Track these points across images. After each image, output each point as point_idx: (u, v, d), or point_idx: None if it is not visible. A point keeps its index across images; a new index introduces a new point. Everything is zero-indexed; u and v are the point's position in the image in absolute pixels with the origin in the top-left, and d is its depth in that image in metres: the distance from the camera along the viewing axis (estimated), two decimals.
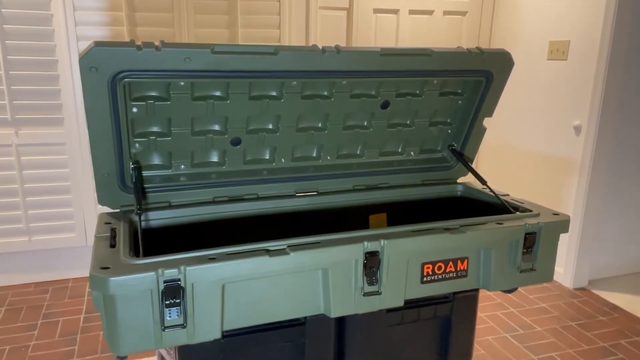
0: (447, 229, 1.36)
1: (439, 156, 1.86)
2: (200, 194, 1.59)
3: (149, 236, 1.51)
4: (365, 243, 1.26)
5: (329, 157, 1.73)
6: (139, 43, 1.26)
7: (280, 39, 3.22)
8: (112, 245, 1.22)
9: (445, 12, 3.66)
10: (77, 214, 3.07)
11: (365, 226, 1.80)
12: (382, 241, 1.27)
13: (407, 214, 1.83)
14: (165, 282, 1.10)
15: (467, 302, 1.48)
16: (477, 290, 1.51)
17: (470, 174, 1.90)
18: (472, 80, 1.66)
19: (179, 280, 1.11)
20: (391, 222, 1.82)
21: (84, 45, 2.86)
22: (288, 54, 1.37)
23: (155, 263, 1.12)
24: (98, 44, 1.21)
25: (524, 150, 3.50)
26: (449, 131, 1.81)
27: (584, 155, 3.07)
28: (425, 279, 1.37)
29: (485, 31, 3.76)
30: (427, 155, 1.85)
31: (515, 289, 1.50)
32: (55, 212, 3.04)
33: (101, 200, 1.47)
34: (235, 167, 1.63)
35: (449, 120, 1.78)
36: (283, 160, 1.67)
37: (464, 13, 3.70)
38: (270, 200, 1.66)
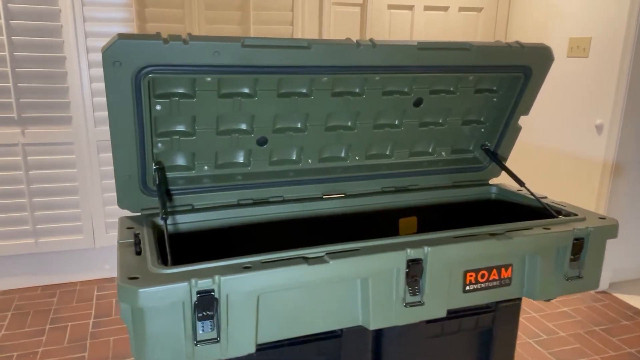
0: (492, 235, 1.28)
1: (471, 156, 1.78)
2: (224, 196, 1.51)
3: (172, 242, 1.43)
4: (408, 250, 1.17)
5: (357, 158, 1.64)
6: (165, 36, 1.17)
7: (292, 36, 3.13)
8: (138, 253, 1.14)
9: (461, 9, 3.57)
10: (85, 215, 2.99)
11: (395, 230, 1.71)
12: (425, 248, 1.19)
13: (438, 217, 1.75)
14: (198, 293, 1.02)
15: (509, 312, 1.39)
16: (519, 299, 1.43)
17: (501, 175, 1.81)
18: (509, 77, 1.58)
19: (213, 291, 1.03)
20: (421, 226, 1.73)
21: (93, 42, 2.77)
22: (321, 47, 1.29)
23: (186, 272, 1.04)
24: (122, 36, 1.12)
25: (544, 149, 3.41)
26: (482, 130, 1.72)
27: (606, 155, 2.99)
28: (467, 287, 1.29)
29: (501, 28, 3.68)
30: (459, 155, 1.76)
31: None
32: (62, 213, 2.96)
33: (121, 203, 1.39)
34: (260, 169, 1.54)
35: (482, 119, 1.70)
36: (310, 161, 1.59)
37: (479, 9, 3.62)
38: (296, 203, 1.58)
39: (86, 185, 2.95)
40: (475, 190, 1.76)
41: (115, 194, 3.01)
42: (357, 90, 1.48)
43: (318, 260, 1.12)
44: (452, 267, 1.26)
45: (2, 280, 2.99)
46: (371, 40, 1.34)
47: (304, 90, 1.42)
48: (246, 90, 1.37)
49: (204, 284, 1.02)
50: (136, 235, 1.23)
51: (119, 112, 1.22)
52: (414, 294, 1.20)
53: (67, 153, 2.88)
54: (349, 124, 1.55)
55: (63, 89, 2.78)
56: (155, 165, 1.37)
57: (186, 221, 1.44)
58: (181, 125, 1.37)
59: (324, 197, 1.62)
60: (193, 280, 1.01)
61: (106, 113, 2.88)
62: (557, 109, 3.30)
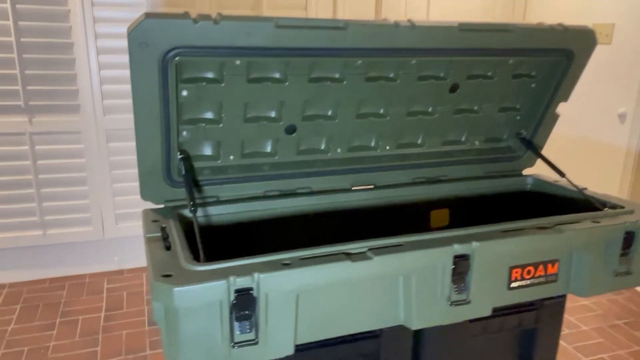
0: (541, 228, 1.20)
1: (504, 145, 1.70)
2: (250, 187, 1.43)
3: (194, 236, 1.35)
4: (455, 246, 1.10)
5: (387, 147, 1.56)
6: (194, 16, 1.09)
7: None
8: (168, 248, 1.06)
9: None
10: (94, 206, 2.91)
11: (425, 223, 1.64)
12: (473, 243, 1.12)
13: (470, 210, 1.67)
14: (236, 291, 0.94)
15: (554, 309, 1.32)
16: (564, 296, 1.36)
17: (534, 166, 1.73)
18: (550, 61, 1.49)
19: (251, 289, 0.96)
20: (453, 219, 1.66)
21: (101, 28, 2.68)
22: (358, 28, 1.21)
23: (223, 269, 0.97)
24: (150, 15, 1.04)
25: (566, 137, 3.33)
26: (518, 118, 1.64)
27: (629, 144, 2.91)
28: (512, 284, 1.22)
29: (519, 11, 3.58)
30: (492, 144, 1.69)
31: None
32: (71, 204, 2.88)
33: (145, 195, 1.31)
34: (287, 158, 1.47)
35: (518, 106, 1.62)
36: (339, 150, 1.51)
37: None
38: (324, 195, 1.50)
39: (95, 175, 2.87)
40: (509, 182, 1.68)
41: (124, 184, 2.94)
42: (392, 75, 1.39)
43: (361, 256, 1.04)
44: (499, 263, 1.18)
45: (10, 272, 2.93)
46: (410, 20, 1.26)
47: (337, 75, 1.34)
48: (276, 75, 1.28)
49: (243, 281, 0.94)
50: (163, 229, 1.15)
51: (145, 97, 1.14)
52: (459, 291, 1.13)
53: (76, 142, 2.80)
54: (381, 111, 1.47)
55: (71, 76, 2.70)
56: (180, 155, 1.29)
57: (211, 214, 1.37)
58: (208, 112, 1.29)
59: (353, 188, 1.55)
60: (232, 278, 0.93)
61: (115, 101, 2.80)
62: (579, 97, 3.21)
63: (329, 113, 1.42)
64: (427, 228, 1.63)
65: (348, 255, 1.04)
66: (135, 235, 3.05)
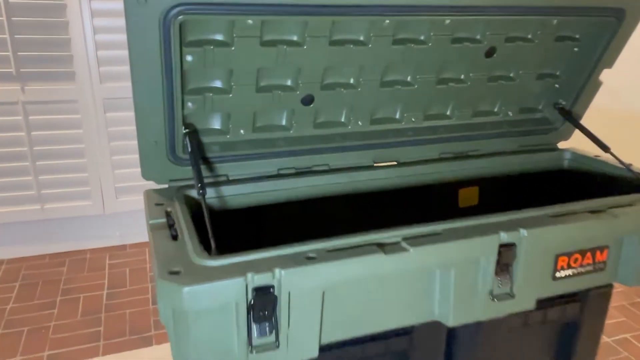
0: (593, 212, 1.07)
1: (540, 117, 1.55)
2: (262, 165, 1.29)
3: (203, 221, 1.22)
4: (502, 234, 0.97)
5: (413, 120, 1.41)
6: None
7: None
8: (174, 237, 0.93)
9: None
10: (93, 179, 2.78)
11: (453, 203, 1.51)
12: (521, 231, 0.98)
13: (502, 188, 1.53)
14: (255, 290, 0.82)
15: (600, 300, 1.20)
16: (611, 286, 1.24)
17: (569, 141, 1.59)
18: (597, 22, 1.33)
19: (272, 287, 0.83)
20: (483, 198, 1.52)
21: None
22: None
23: (238, 264, 0.84)
24: None
25: (606, 109, 3.16)
26: (556, 86, 1.48)
27: None
28: (558, 274, 1.09)
29: None
30: (527, 115, 1.53)
31: None
32: (68, 177, 2.75)
33: (146, 174, 1.17)
34: (303, 132, 1.32)
35: (558, 73, 1.46)
36: (360, 122, 1.36)
37: None
38: (343, 172, 1.36)
39: (93, 147, 2.72)
40: (544, 157, 1.54)
41: (123, 157, 2.79)
42: (422, 37, 1.23)
43: (395, 247, 0.91)
44: (545, 251, 1.05)
45: (8, 248, 2.82)
46: None
47: (361, 37, 1.18)
48: (293, 37, 1.12)
49: (262, 279, 0.81)
50: (168, 215, 1.02)
51: (144, 64, 0.99)
52: (503, 284, 1.00)
53: (72, 112, 2.64)
54: (408, 78, 1.32)
55: (64, 40, 2.52)
56: (185, 129, 1.14)
57: (220, 194, 1.23)
58: (215, 80, 1.14)
59: (375, 165, 1.41)
60: (249, 275, 0.80)
61: (113, 68, 2.63)
62: (624, 64, 3.02)
63: (351, 81, 1.27)
64: (454, 208, 1.49)
65: (380, 247, 0.91)
66: (137, 209, 2.93)
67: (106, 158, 2.76)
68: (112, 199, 2.86)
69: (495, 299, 1.01)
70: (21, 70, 2.49)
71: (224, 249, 0.96)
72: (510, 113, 1.51)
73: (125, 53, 2.62)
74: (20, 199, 2.70)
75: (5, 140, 2.58)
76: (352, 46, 1.18)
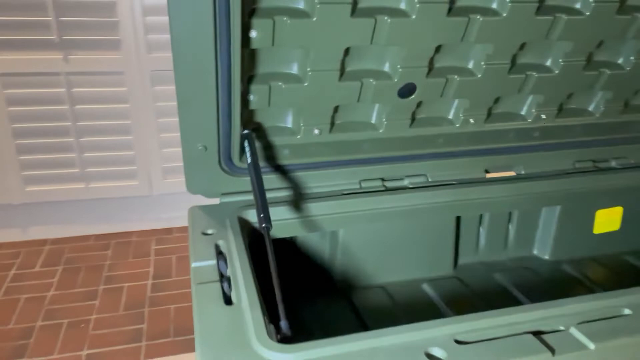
0: None
1: None
2: (340, 175, 0.97)
3: (255, 254, 0.92)
4: None
5: (543, 117, 1.05)
6: None
7: None
8: (228, 300, 0.64)
9: None
10: (141, 158, 2.56)
11: (587, 227, 1.15)
12: None
13: None
14: None
15: None
16: None
17: None
18: None
19: None
20: (628, 222, 1.15)
21: None
22: None
23: None
24: None
25: None
26: None
27: None
28: None
29: None
30: None
31: None
32: (114, 155, 2.53)
33: (192, 186, 0.89)
34: (396, 133, 0.99)
35: None
36: (472, 121, 1.02)
37: None
38: (444, 188, 1.02)
39: (140, 123, 2.49)
40: None
41: (172, 134, 2.54)
42: (578, 5, 0.87)
43: (565, 339, 0.58)
44: None
45: (52, 228, 2.67)
46: None
47: (493, 5, 0.83)
48: (399, 4, 0.79)
49: None
50: (219, 252, 0.73)
51: (190, 42, 0.68)
52: None
53: (118, 85, 2.40)
54: (548, 62, 0.96)
55: (109, 4, 2.25)
56: (244, 130, 0.84)
57: (281, 218, 0.93)
58: (288, 64, 0.82)
59: (487, 177, 1.06)
60: None
61: (162, 36, 2.35)
62: None
63: (470, 65, 0.92)
64: (588, 234, 1.14)
65: (539, 337, 0.58)
66: (185, 191, 2.69)
67: (154, 136, 2.52)
68: (160, 180, 2.64)
69: None
70: (64, 37, 2.26)
71: (296, 318, 0.66)
72: None
73: None
74: (64, 177, 2.52)
75: (47, 114, 2.38)
76: (479, 17, 0.83)
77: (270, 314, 0.64)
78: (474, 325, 0.59)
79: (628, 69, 0.99)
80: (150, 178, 2.63)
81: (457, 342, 0.57)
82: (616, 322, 0.61)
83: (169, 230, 2.80)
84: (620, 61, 0.99)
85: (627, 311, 0.62)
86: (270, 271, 0.65)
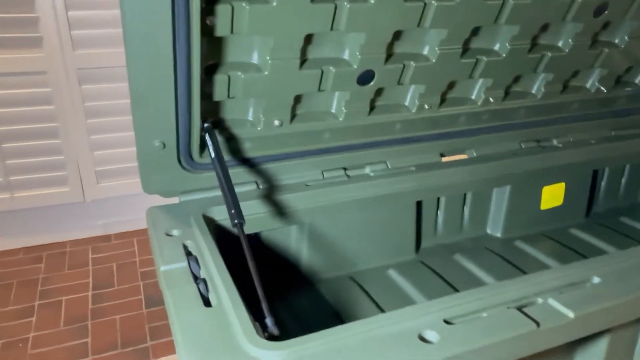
0: None
1: (635, 92, 1.24)
2: (302, 166, 0.96)
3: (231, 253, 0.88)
4: None
5: (491, 100, 1.09)
6: None
7: None
8: (207, 302, 0.61)
9: None
10: (70, 162, 2.40)
11: (534, 204, 1.20)
12: None
13: (589, 183, 1.24)
14: None
15: None
16: None
17: None
18: None
19: None
20: (570, 197, 1.22)
21: None
22: None
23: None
24: None
25: None
26: None
27: None
28: None
29: None
30: (621, 91, 1.22)
31: None
32: (41, 161, 2.36)
33: (148, 186, 0.83)
34: (355, 121, 0.99)
35: None
36: (427, 106, 1.03)
37: None
38: (404, 174, 1.03)
39: (68, 125, 2.33)
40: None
41: (103, 136, 2.41)
42: None
43: (548, 312, 0.60)
44: None
45: None
46: None
47: None
48: None
49: None
50: (190, 258, 0.69)
51: (146, 32, 0.64)
52: None
53: (41, 85, 2.24)
54: (496, 46, 0.99)
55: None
56: (204, 123, 0.80)
57: (245, 213, 0.89)
58: (247, 52, 0.79)
59: (443, 160, 1.09)
60: None
61: (87, 32, 2.21)
62: None
63: (425, 51, 0.93)
64: (535, 210, 1.19)
65: (520, 310, 0.60)
66: (121, 195, 2.57)
67: (83, 138, 2.37)
68: (93, 185, 2.49)
69: None
70: None
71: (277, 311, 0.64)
72: (603, 88, 1.19)
73: (101, 13, 2.21)
74: None
75: None
76: (433, 1, 0.84)
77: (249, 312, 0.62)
78: (459, 305, 0.60)
79: (567, 50, 1.05)
80: (82, 183, 2.49)
81: (447, 322, 0.57)
82: (589, 289, 0.64)
83: (106, 238, 2.65)
84: (560, 44, 1.04)
85: (596, 279, 0.65)
86: (249, 268, 0.62)
